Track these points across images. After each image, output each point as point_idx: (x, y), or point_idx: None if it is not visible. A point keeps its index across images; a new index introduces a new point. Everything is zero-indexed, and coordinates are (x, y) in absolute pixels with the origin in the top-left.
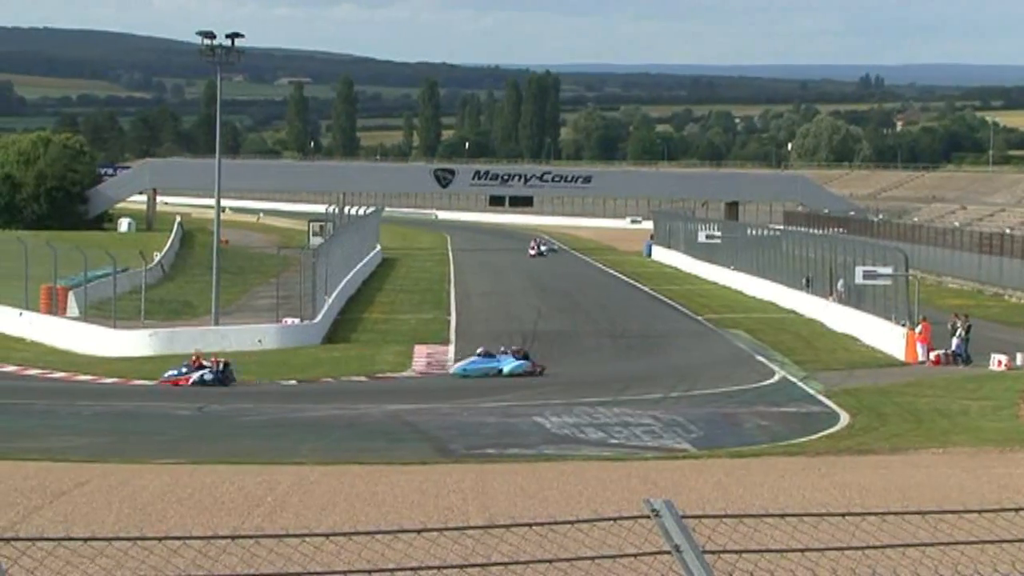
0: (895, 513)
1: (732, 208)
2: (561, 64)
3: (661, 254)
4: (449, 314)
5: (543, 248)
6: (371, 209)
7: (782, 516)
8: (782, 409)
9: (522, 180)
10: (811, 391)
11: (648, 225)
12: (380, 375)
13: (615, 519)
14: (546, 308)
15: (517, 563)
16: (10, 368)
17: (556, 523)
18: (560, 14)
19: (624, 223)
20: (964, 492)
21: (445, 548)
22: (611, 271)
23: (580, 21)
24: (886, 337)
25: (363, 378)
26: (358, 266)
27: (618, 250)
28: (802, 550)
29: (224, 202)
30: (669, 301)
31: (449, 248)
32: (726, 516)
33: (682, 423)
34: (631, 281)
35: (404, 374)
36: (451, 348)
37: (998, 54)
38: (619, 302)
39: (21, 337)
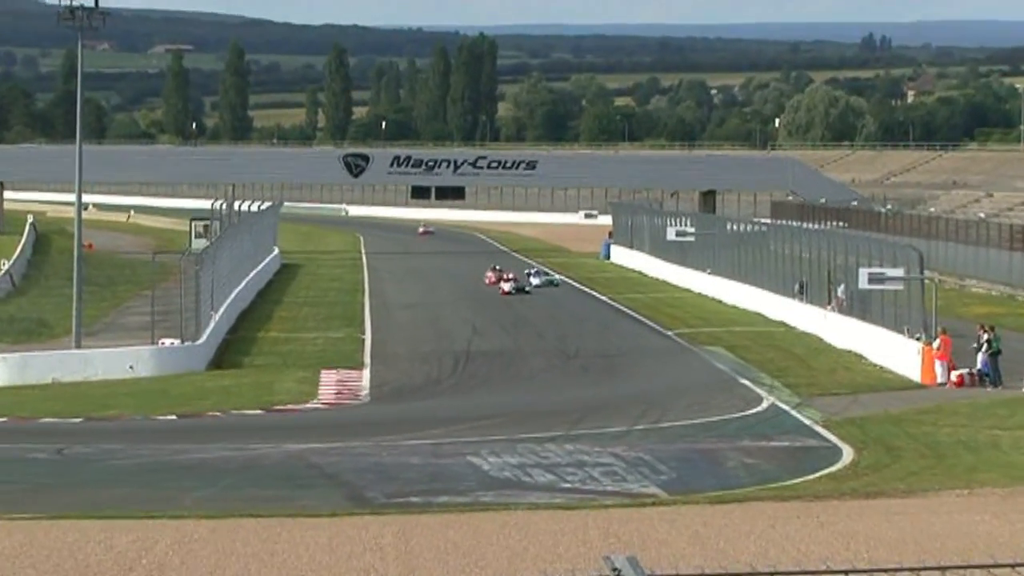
0: (910, 569)
1: (708, 199)
2: (498, 26)
3: (622, 256)
4: (363, 332)
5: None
6: (267, 205)
7: (772, 575)
8: (772, 443)
9: (451, 167)
10: (807, 421)
11: (606, 220)
12: (280, 407)
13: None
14: (483, 323)
15: None
16: None
17: None
18: None
19: (577, 218)
20: (994, 542)
21: None
22: (562, 277)
23: None
24: (897, 354)
25: (259, 411)
26: (252, 274)
27: (570, 251)
28: None
29: (87, 198)
30: (632, 313)
31: (363, 251)
32: None
33: (650, 462)
34: (586, 289)
35: (309, 405)
36: (366, 373)
37: None
38: (572, 315)
39: None
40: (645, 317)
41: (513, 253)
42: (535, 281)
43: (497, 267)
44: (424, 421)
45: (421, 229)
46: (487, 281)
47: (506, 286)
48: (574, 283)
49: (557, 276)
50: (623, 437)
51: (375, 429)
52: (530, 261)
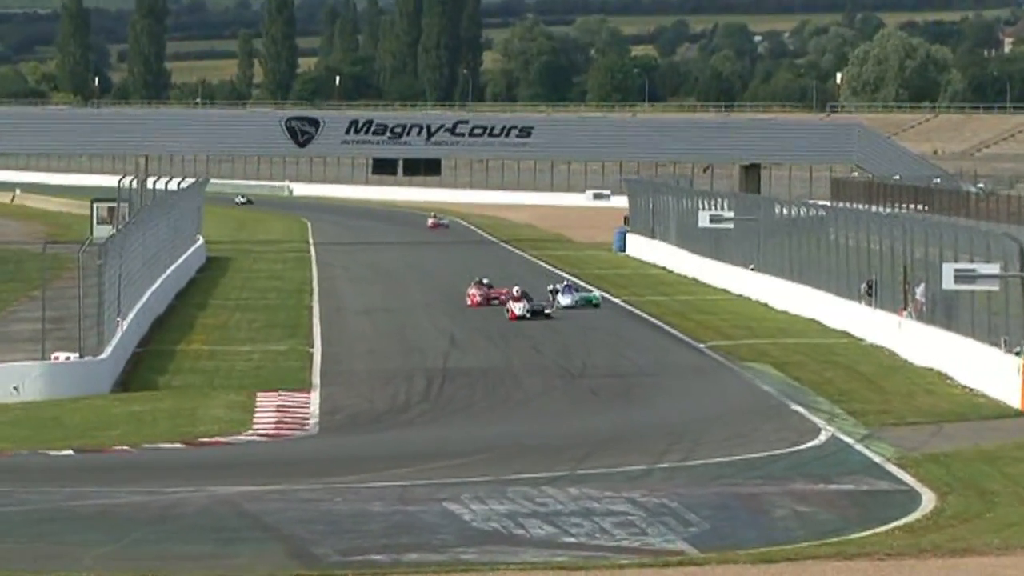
0: None
1: (751, 175)
2: None
3: (641, 247)
4: (312, 344)
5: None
6: (189, 182)
7: None
8: (832, 487)
9: (424, 135)
10: (876, 458)
11: (620, 203)
12: (205, 440)
13: None
14: (464, 333)
15: None
16: None
17: None
18: None
19: (583, 199)
20: None
21: None
22: (563, 274)
23: None
24: (991, 372)
25: (178, 445)
26: (170, 270)
27: (574, 241)
28: None
29: None
30: (654, 320)
31: (311, 241)
32: None
33: (676, 510)
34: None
35: (242, 438)
36: (315, 396)
37: None
38: (577, 324)
39: None
40: (670, 326)
41: (503, 244)
42: (564, 300)
43: (484, 281)
44: (389, 458)
45: (431, 220)
46: (469, 301)
47: (517, 307)
48: (581, 282)
49: (596, 292)
50: (642, 479)
51: (326, 468)
52: (524, 255)
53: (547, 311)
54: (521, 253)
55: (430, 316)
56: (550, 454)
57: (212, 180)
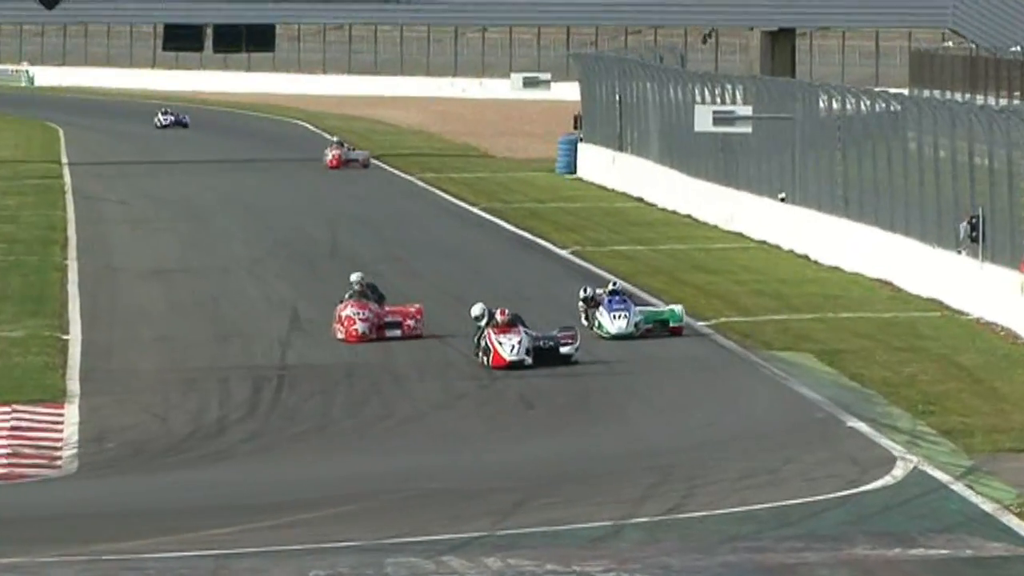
0: None
1: (780, 47)
2: None
3: (600, 165)
4: (66, 327)
5: None
6: None
7: None
8: (914, 552)
9: None
10: (986, 504)
11: (566, 93)
12: None
13: None
14: (314, 307)
15: None
16: None
17: None
18: None
19: (506, 88)
20: None
21: None
22: (479, 212)
23: None
24: None
25: None
26: None
27: (492, 157)
28: None
29: None
30: (626, 285)
31: (64, 160)
32: None
33: None
34: (529, 238)
35: None
36: (72, 411)
37: None
38: (500, 292)
39: None
40: (651, 293)
41: (377, 163)
42: (616, 325)
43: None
44: (192, 512)
45: (333, 153)
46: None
47: (507, 346)
48: (505, 225)
49: (676, 308)
50: (608, 541)
51: (90, 529)
52: (412, 181)
53: (567, 348)
54: (407, 178)
55: (260, 280)
56: (457, 503)
57: None
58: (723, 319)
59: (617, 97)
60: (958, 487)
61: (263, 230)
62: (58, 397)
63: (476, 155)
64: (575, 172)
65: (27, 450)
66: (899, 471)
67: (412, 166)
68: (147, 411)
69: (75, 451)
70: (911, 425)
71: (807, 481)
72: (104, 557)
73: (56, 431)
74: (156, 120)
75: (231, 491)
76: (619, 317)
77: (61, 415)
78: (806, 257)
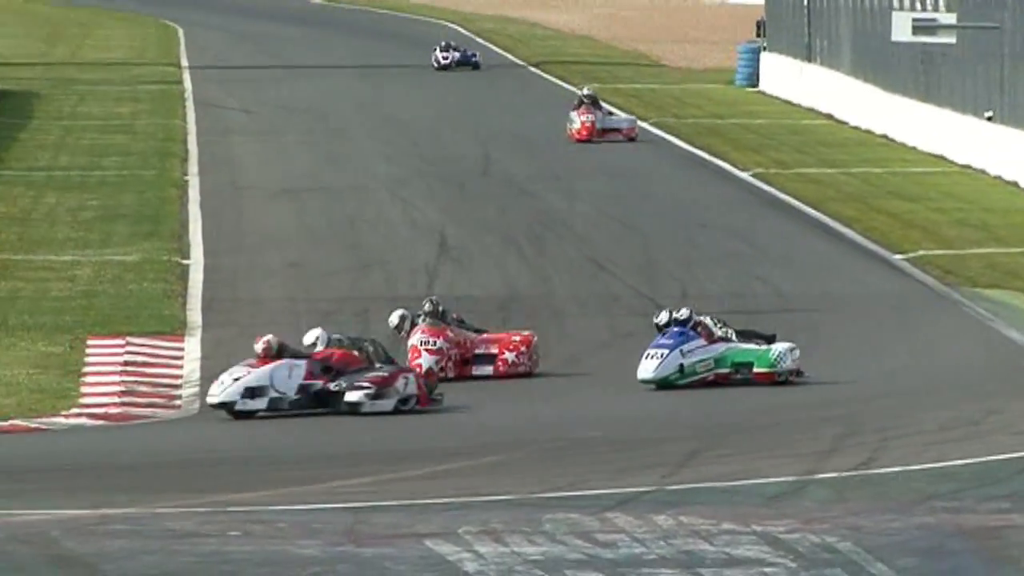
0: None
1: None
2: None
3: (785, 78)
4: (186, 251)
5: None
6: None
7: None
8: None
9: None
10: None
11: None
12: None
13: None
14: (464, 232)
15: None
16: None
17: None
18: None
19: None
20: None
21: None
22: (648, 127)
23: None
24: None
25: None
26: None
27: (664, 66)
28: None
29: None
30: (811, 211)
31: (184, 63)
32: None
33: (851, 558)
34: (704, 157)
35: (62, 419)
36: (193, 345)
37: None
38: (672, 218)
39: None
40: (840, 221)
41: (533, 70)
42: (643, 368)
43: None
44: (326, 457)
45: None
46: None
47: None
48: (676, 142)
49: (778, 348)
50: (789, 498)
51: (215, 476)
52: (573, 91)
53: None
54: (567, 87)
55: (403, 202)
56: (623, 454)
57: None
58: (921, 252)
59: (805, 0)
60: None
61: (406, 145)
62: (177, 329)
63: (646, 64)
64: (757, 85)
65: (143, 388)
66: None
67: (574, 75)
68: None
69: (196, 390)
70: None
71: (1013, 435)
72: (227, 508)
73: (175, 367)
74: (433, 59)
75: (368, 438)
76: (651, 357)
77: (180, 349)
78: (1015, 184)
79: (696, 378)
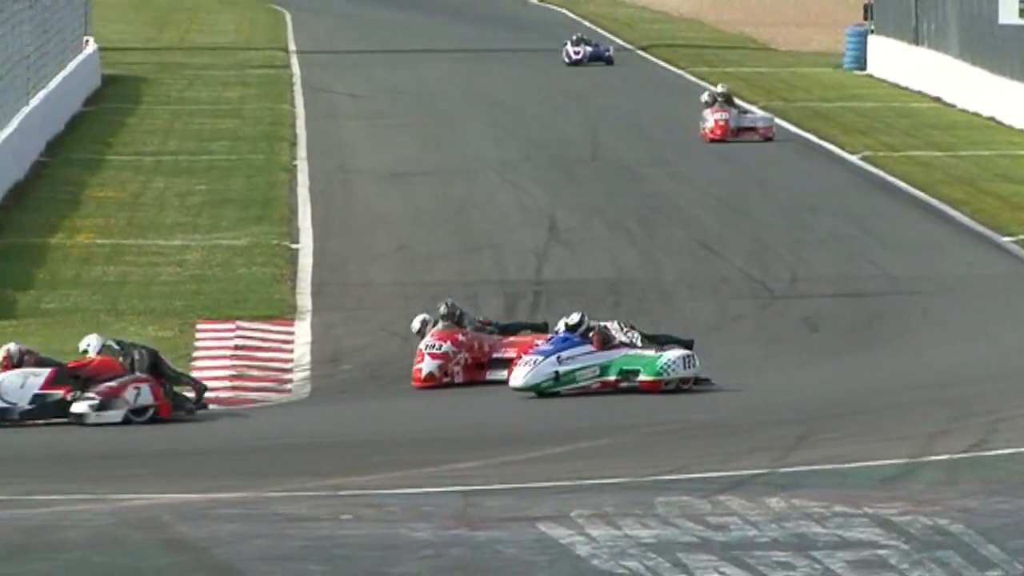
0: None
1: None
2: None
3: (894, 60)
4: (295, 236)
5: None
6: None
7: None
8: None
9: None
10: None
11: None
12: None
13: None
14: (573, 216)
15: None
16: None
17: None
18: None
19: None
20: None
21: None
22: (755, 111)
23: None
24: None
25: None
26: (35, 101)
27: (772, 49)
28: None
29: None
30: (919, 194)
31: (292, 48)
32: None
33: (965, 541)
34: (813, 141)
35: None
36: (303, 329)
37: None
38: (781, 201)
39: None
40: (948, 204)
41: (640, 53)
42: (514, 376)
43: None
44: (443, 442)
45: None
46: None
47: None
48: (784, 124)
49: (668, 356)
50: (901, 480)
51: (323, 460)
52: (681, 74)
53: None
54: (677, 72)
55: (512, 185)
56: (734, 436)
57: None
58: None
59: None
60: None
61: (514, 128)
62: (287, 313)
63: (754, 47)
64: (865, 68)
65: (253, 372)
66: None
67: (682, 59)
68: (385, 329)
69: (306, 374)
70: None
71: None
72: (339, 492)
73: (285, 351)
74: (564, 53)
75: (479, 420)
76: (524, 364)
77: (291, 333)
78: None
79: (577, 386)
